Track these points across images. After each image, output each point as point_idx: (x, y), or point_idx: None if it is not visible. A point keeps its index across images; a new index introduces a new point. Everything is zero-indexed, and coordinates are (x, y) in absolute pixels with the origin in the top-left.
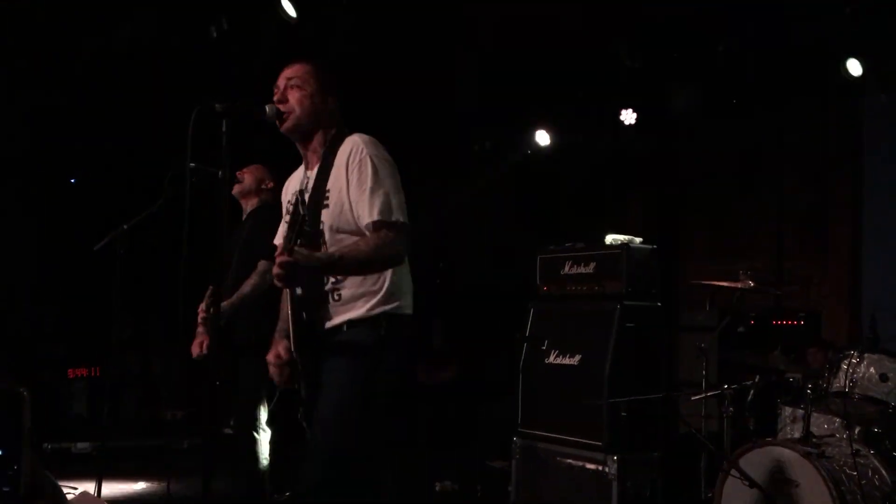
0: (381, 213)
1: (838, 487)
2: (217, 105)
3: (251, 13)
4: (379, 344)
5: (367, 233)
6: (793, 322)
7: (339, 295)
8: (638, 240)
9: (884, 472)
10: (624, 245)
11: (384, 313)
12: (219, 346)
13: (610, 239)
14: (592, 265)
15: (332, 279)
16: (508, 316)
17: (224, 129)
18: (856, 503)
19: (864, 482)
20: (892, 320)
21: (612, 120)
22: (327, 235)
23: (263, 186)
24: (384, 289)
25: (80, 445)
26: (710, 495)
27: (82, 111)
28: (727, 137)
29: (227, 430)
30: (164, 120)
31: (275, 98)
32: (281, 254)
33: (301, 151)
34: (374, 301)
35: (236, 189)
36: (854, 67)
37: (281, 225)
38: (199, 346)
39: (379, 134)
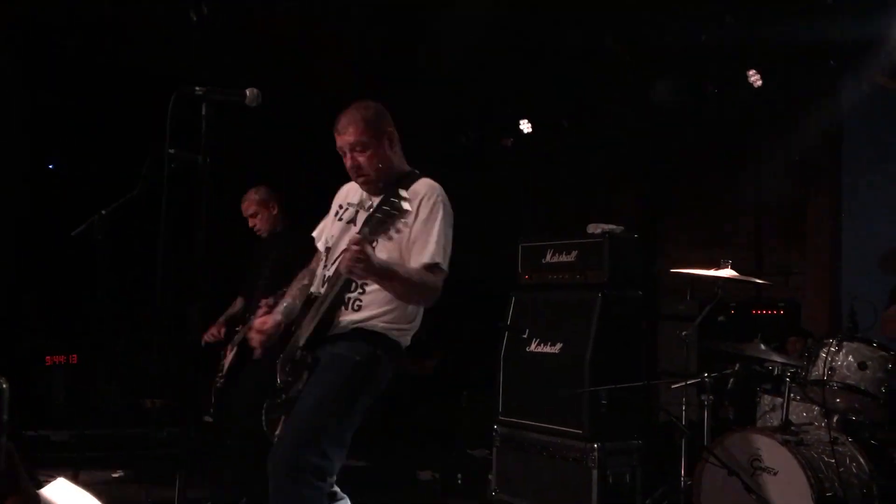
0: (437, 256)
1: (816, 475)
2: (196, 89)
3: None
4: (372, 361)
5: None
6: (773, 311)
7: (359, 306)
8: (619, 229)
9: (861, 459)
10: (605, 234)
11: (386, 337)
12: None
13: (592, 228)
14: (574, 254)
15: (358, 289)
16: (490, 305)
17: (203, 113)
18: (833, 490)
19: (841, 470)
20: (871, 309)
21: (596, 109)
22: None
23: (274, 212)
24: (397, 316)
25: (57, 433)
26: (689, 483)
27: (61, 96)
28: (709, 129)
29: (207, 419)
30: (144, 104)
31: (347, 167)
32: (360, 242)
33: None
34: (383, 320)
35: (257, 228)
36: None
37: (324, 222)
38: (211, 335)
39: None
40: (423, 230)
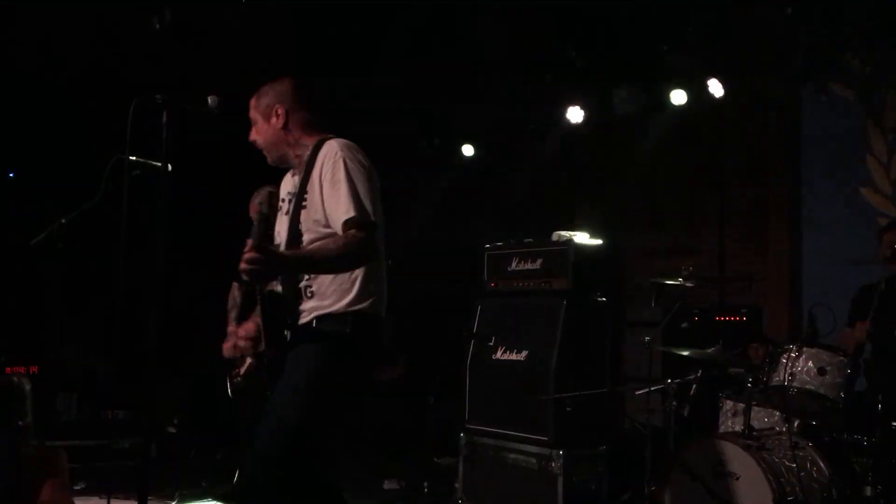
0: (349, 211)
1: (778, 479)
2: (157, 96)
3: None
4: (343, 340)
5: (339, 232)
6: (735, 318)
7: (312, 292)
8: (584, 236)
9: (822, 464)
10: (570, 241)
11: (352, 311)
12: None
13: (556, 235)
14: (539, 261)
15: (305, 277)
16: (456, 312)
17: (164, 120)
18: (794, 494)
19: (802, 474)
20: (830, 315)
21: (559, 117)
22: (306, 236)
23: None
24: (355, 287)
25: None
26: (654, 488)
27: (21, 103)
28: (671, 136)
29: (171, 429)
30: (106, 112)
31: (251, 138)
32: (250, 250)
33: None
34: (344, 299)
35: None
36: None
37: (279, 221)
38: (231, 347)
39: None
40: (332, 192)
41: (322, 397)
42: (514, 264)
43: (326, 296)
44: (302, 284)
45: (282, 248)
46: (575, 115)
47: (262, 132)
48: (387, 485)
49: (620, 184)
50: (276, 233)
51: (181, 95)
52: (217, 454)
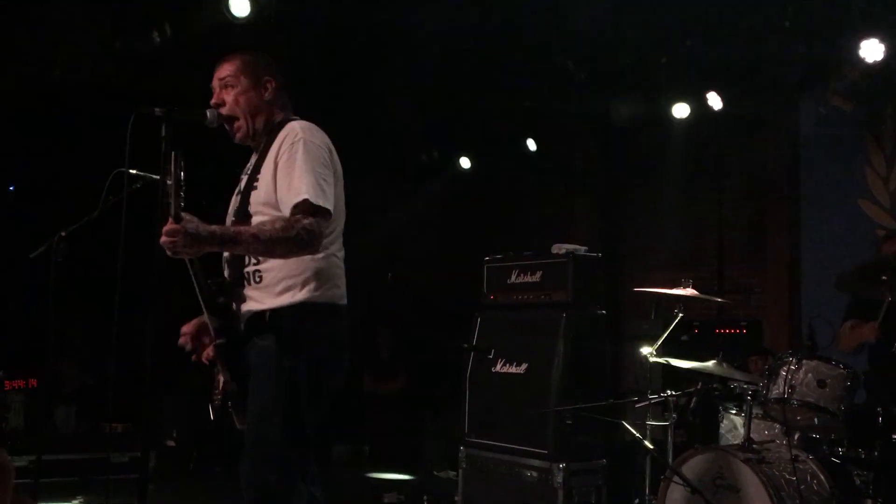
0: (300, 194)
1: (778, 493)
2: (156, 109)
3: (196, 18)
4: (302, 333)
5: (287, 215)
6: (734, 330)
7: (260, 278)
8: (583, 249)
9: (822, 477)
10: (569, 254)
11: (308, 302)
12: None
13: (556, 248)
14: (539, 274)
15: (252, 261)
16: (456, 325)
17: (164, 133)
18: None
19: (802, 487)
20: (829, 327)
21: (558, 130)
22: (255, 218)
23: None
24: (308, 276)
25: (16, 459)
26: (653, 501)
27: (21, 117)
28: (670, 149)
29: (170, 443)
30: (106, 125)
31: (212, 101)
32: (168, 222)
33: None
34: (297, 289)
35: None
36: (793, 81)
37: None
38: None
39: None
40: (284, 174)
41: (292, 404)
42: (513, 277)
43: (277, 286)
44: (248, 269)
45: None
46: (574, 127)
47: (243, 97)
48: (386, 498)
49: (620, 196)
50: (227, 214)
51: (180, 108)
52: (216, 467)
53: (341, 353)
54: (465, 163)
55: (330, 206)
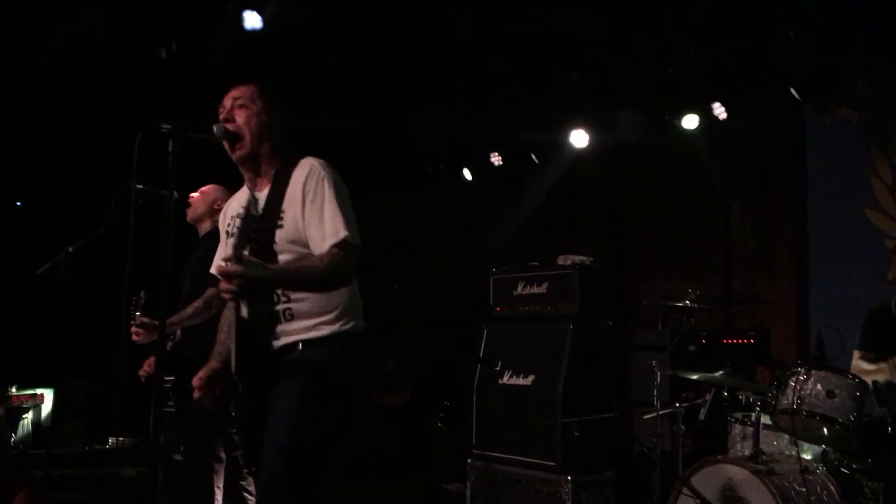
0: (336, 233)
1: None
2: (163, 125)
3: (201, 34)
4: (333, 364)
5: (319, 252)
6: (742, 340)
7: (291, 314)
8: (589, 260)
9: (832, 487)
10: (576, 265)
11: (338, 333)
12: (167, 370)
13: (562, 259)
14: (545, 285)
15: (283, 298)
16: (462, 337)
17: (170, 149)
18: None
19: (812, 498)
20: (838, 337)
21: (564, 141)
22: (281, 256)
23: (216, 208)
24: (339, 308)
25: None
26: None
27: (28, 132)
28: (676, 159)
29: (177, 457)
30: (114, 141)
31: (221, 116)
32: (227, 269)
33: (247, 174)
34: (329, 320)
35: (189, 214)
36: (798, 91)
37: (219, 248)
38: (145, 368)
39: (331, 155)
40: (313, 213)
41: (320, 433)
42: (519, 288)
43: (310, 317)
44: (279, 307)
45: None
46: (580, 138)
47: (256, 119)
48: None
49: (626, 207)
50: (224, 243)
51: (187, 124)
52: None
53: (359, 382)
54: (469, 175)
55: (358, 241)
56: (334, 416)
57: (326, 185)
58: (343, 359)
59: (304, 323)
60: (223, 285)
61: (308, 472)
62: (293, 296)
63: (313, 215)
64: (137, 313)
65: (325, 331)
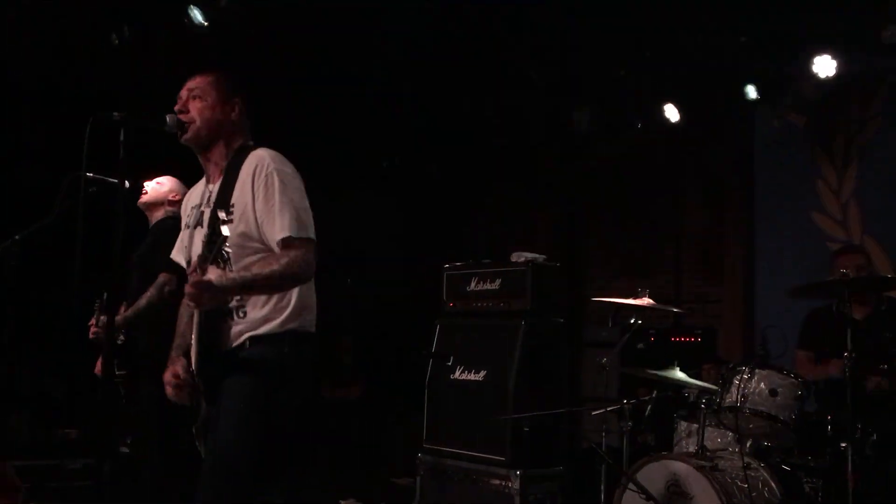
0: (290, 229)
1: (730, 500)
2: (115, 114)
3: (156, 20)
4: (281, 361)
5: (276, 249)
6: (690, 338)
7: (244, 312)
8: (542, 257)
9: (773, 484)
10: (529, 262)
11: (288, 331)
12: (117, 363)
13: (515, 256)
14: (498, 282)
15: (237, 297)
16: (416, 332)
17: (122, 138)
18: None
19: (754, 494)
20: (781, 337)
21: (519, 137)
22: (231, 250)
23: (171, 198)
24: (291, 306)
25: None
26: None
27: None
28: (629, 160)
29: (124, 449)
30: (63, 129)
31: (175, 108)
32: (194, 272)
33: (203, 164)
34: (279, 318)
35: (141, 200)
36: (751, 93)
37: (180, 237)
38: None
39: (284, 147)
40: (265, 209)
41: (266, 430)
42: (473, 284)
43: (258, 315)
44: (233, 305)
45: (193, 261)
46: (535, 135)
47: (209, 111)
48: None
49: (579, 205)
50: (184, 246)
51: (139, 113)
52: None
53: (311, 380)
54: (430, 169)
55: (312, 235)
56: (281, 414)
57: (276, 179)
58: (292, 356)
59: (255, 320)
60: (187, 289)
61: (249, 470)
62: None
63: (265, 213)
64: (102, 317)
65: (274, 328)
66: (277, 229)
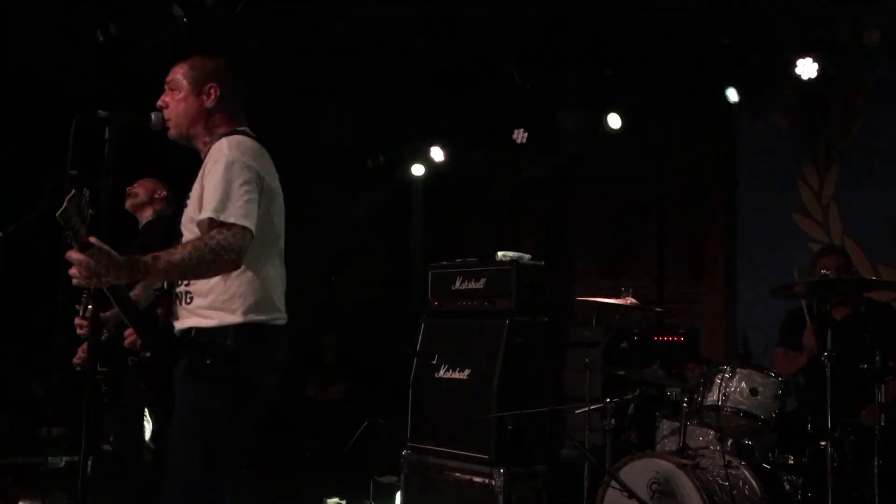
0: (213, 210)
1: (711, 498)
2: (100, 112)
3: (142, 17)
4: (225, 356)
5: (200, 232)
6: (673, 338)
7: (191, 298)
8: (527, 257)
9: (753, 482)
10: (514, 262)
11: (234, 324)
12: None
13: (500, 255)
14: (483, 281)
15: (182, 282)
16: (400, 330)
17: (107, 136)
18: None
19: (735, 492)
20: (763, 337)
21: (504, 139)
22: (184, 236)
23: (156, 196)
24: (237, 299)
25: None
26: None
27: None
28: (614, 160)
29: (106, 447)
30: (48, 127)
31: (157, 103)
32: (74, 250)
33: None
34: (226, 311)
35: (129, 203)
36: (732, 95)
37: None
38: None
39: (270, 146)
40: (206, 193)
41: (211, 429)
42: (457, 283)
43: (206, 308)
44: (179, 289)
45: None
46: (519, 135)
47: (184, 103)
48: (328, 502)
49: (563, 205)
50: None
51: (124, 111)
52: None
53: (270, 374)
54: (416, 170)
55: (243, 222)
56: (223, 410)
57: (222, 164)
58: (236, 351)
59: (201, 310)
60: (72, 270)
61: (201, 467)
62: (192, 280)
63: (205, 195)
64: (90, 306)
65: (216, 319)
66: (203, 211)
